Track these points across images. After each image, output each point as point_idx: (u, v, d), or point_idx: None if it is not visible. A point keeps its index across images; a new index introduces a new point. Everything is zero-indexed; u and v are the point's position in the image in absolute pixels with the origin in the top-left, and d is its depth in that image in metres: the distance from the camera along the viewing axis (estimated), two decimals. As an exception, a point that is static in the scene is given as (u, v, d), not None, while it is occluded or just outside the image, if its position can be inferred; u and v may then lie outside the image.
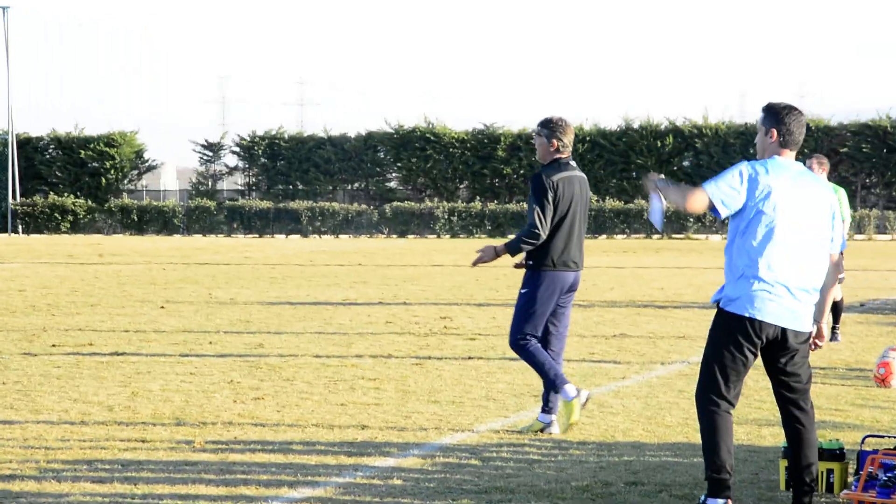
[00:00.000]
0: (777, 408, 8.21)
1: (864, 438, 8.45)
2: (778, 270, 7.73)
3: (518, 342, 10.67)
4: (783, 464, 8.69)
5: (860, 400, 12.35)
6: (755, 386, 13.01)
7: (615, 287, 26.04)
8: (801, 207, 7.80)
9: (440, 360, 15.00)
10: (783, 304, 7.74)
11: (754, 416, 11.44)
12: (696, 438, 10.53)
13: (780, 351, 7.83)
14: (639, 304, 21.96)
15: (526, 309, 10.65)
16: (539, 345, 10.67)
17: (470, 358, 15.21)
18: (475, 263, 10.72)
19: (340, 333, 17.63)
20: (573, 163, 10.81)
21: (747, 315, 7.72)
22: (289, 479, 9.09)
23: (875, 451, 8.34)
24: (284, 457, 9.81)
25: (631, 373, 14.11)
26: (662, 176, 8.16)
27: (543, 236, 10.51)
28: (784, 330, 7.77)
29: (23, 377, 13.62)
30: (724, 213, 7.75)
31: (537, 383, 13.28)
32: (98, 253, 39.96)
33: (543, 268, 10.59)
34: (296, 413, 11.61)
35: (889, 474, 8.21)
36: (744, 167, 7.79)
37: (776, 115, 7.96)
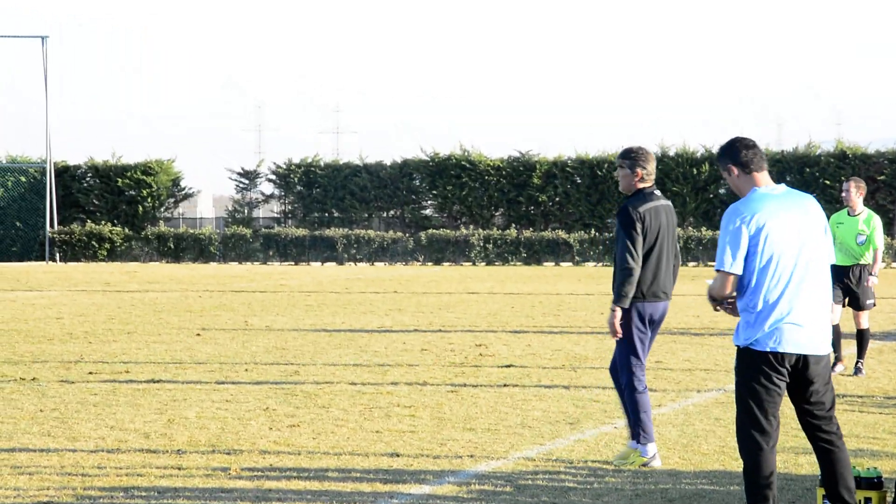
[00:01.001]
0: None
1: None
2: (787, 302, 7.73)
3: (632, 383, 10.58)
4: (820, 492, 8.64)
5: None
6: (791, 414, 12.94)
7: (651, 314, 25.97)
8: (796, 231, 7.81)
9: (475, 388, 14.99)
10: (800, 333, 7.75)
11: (791, 444, 11.39)
12: (733, 466, 10.50)
13: (802, 378, 7.82)
14: (675, 332, 21.91)
15: (627, 343, 10.61)
16: (647, 395, 10.65)
17: (505, 385, 15.19)
18: (616, 336, 10.57)
19: (376, 361, 17.64)
20: (658, 191, 10.74)
21: (769, 350, 7.72)
22: (324, 506, 9.09)
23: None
24: (320, 484, 9.82)
25: (667, 400, 14.07)
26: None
27: (637, 269, 10.46)
28: (805, 357, 7.77)
29: (60, 404, 13.68)
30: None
31: (572, 411, 13.26)
32: (131, 276, 40.10)
33: (634, 300, 10.56)
34: (331, 440, 11.62)
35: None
36: (734, 219, 7.79)
37: (722, 153, 8.08)
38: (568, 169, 57.74)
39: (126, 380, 15.67)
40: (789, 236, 7.77)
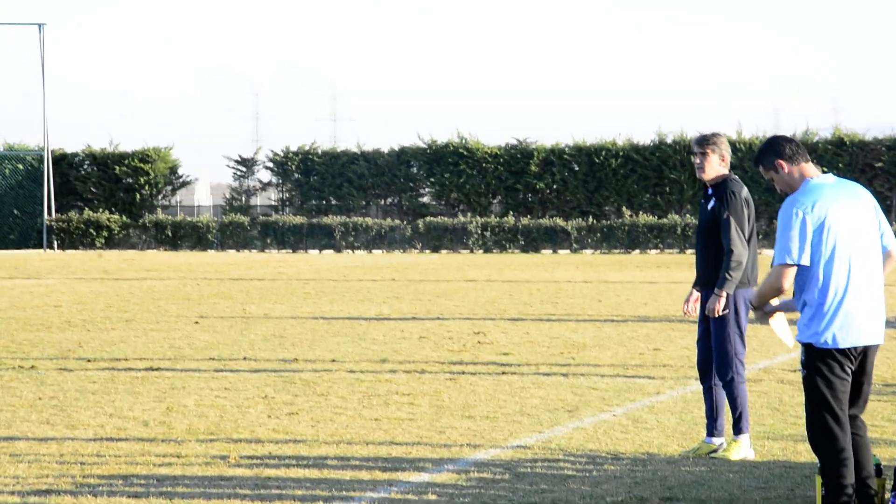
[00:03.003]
0: None
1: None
2: (853, 294, 7.72)
3: (741, 373, 10.45)
4: (819, 480, 8.64)
5: (896, 415, 12.29)
6: (790, 402, 12.96)
7: (648, 302, 25.98)
8: (856, 219, 7.79)
9: (474, 376, 14.99)
10: (865, 324, 7.76)
11: (790, 431, 11.40)
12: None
13: (860, 369, 7.84)
14: (672, 319, 21.91)
15: (735, 332, 10.45)
16: (745, 386, 10.58)
17: (504, 373, 15.20)
18: (716, 313, 10.34)
19: (374, 348, 17.64)
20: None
21: (839, 346, 7.71)
22: (323, 494, 9.10)
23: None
24: (319, 472, 9.82)
25: (665, 388, 14.08)
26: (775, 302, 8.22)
27: (746, 255, 10.35)
28: (867, 348, 7.79)
29: (58, 392, 13.68)
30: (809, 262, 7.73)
31: (571, 399, 13.27)
32: (129, 264, 40.08)
33: (739, 286, 10.43)
34: (330, 428, 11.63)
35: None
36: (795, 210, 7.73)
37: (766, 152, 8.05)
38: (565, 156, 57.75)
39: (124, 368, 15.67)
40: (851, 225, 7.75)
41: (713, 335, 10.49)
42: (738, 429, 10.47)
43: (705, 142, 10.49)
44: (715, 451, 10.49)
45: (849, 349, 7.74)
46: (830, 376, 7.74)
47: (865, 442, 7.94)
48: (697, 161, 10.49)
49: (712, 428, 10.60)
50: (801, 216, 7.71)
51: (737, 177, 10.56)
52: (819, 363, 7.75)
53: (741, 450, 10.39)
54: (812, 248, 7.70)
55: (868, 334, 7.78)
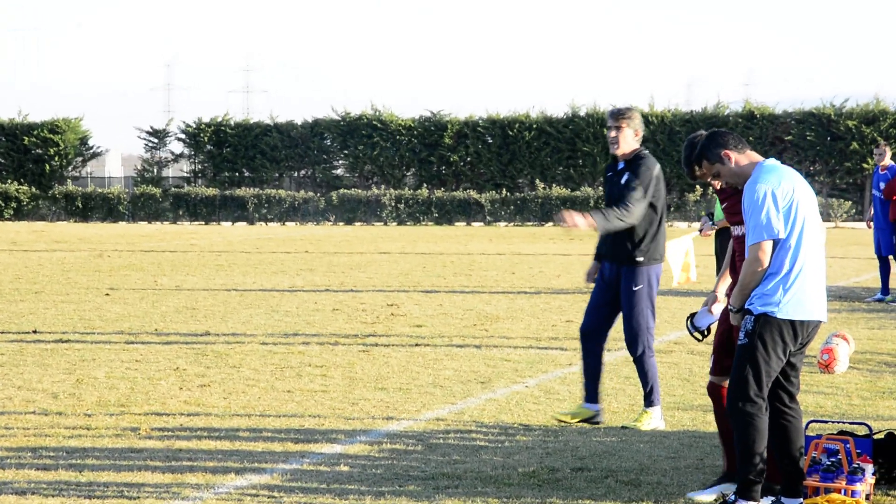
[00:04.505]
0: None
1: (807, 424, 8.51)
2: (811, 268, 7.78)
3: (651, 346, 10.57)
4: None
5: (805, 386, 12.43)
6: (700, 372, 13.08)
7: (562, 274, 26.10)
8: (809, 199, 7.85)
9: (387, 348, 14.99)
10: (819, 299, 7.83)
11: (699, 402, 11.50)
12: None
13: (803, 346, 7.88)
14: (585, 291, 22.00)
15: (648, 306, 10.52)
16: (655, 359, 10.66)
17: (417, 345, 15.21)
18: (569, 222, 10.15)
19: (287, 320, 17.58)
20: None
21: (798, 319, 7.74)
22: (235, 465, 9.07)
23: (818, 437, 8.42)
24: (231, 444, 9.79)
25: (577, 359, 14.13)
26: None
27: (634, 221, 10.31)
28: (817, 324, 7.85)
29: (-34, 365, 13.51)
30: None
31: (484, 370, 13.31)
32: (38, 236, 39.65)
33: (652, 262, 10.50)
34: (242, 400, 11.58)
35: (832, 459, 8.28)
36: (763, 189, 7.71)
37: (710, 147, 8.01)
38: (479, 129, 57.81)
39: (33, 340, 15.50)
40: (807, 202, 7.80)
41: (626, 309, 10.55)
42: (649, 401, 10.57)
43: (620, 115, 10.51)
44: (593, 417, 10.57)
45: (802, 324, 7.76)
46: (777, 351, 7.76)
47: (798, 426, 7.95)
48: (612, 135, 10.51)
49: (594, 394, 10.68)
50: (770, 192, 7.69)
51: (648, 152, 10.61)
52: (767, 335, 7.75)
53: (652, 420, 10.48)
54: (784, 221, 7.72)
55: (821, 311, 7.85)
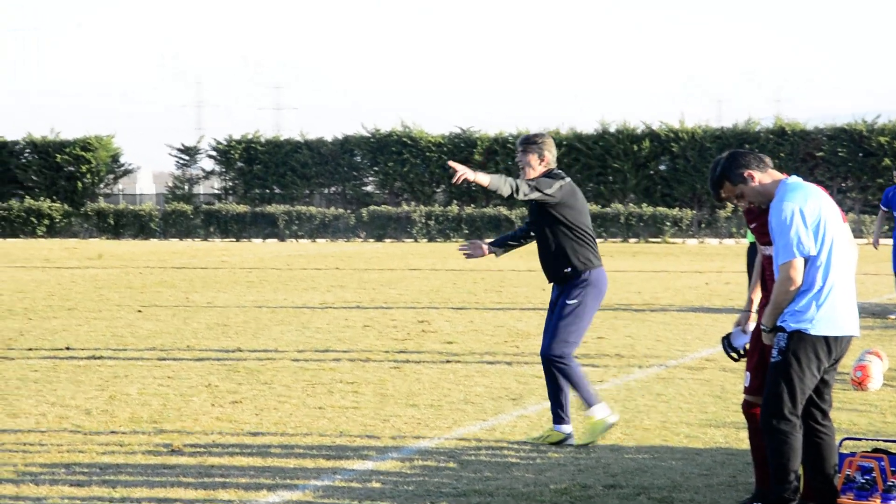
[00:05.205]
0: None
1: (841, 441, 8.48)
2: (842, 283, 7.76)
3: (573, 355, 10.62)
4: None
5: (837, 403, 12.38)
6: (732, 389, 13.04)
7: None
8: (836, 215, 7.83)
9: (418, 364, 15.00)
10: (851, 314, 7.82)
11: (732, 419, 11.47)
12: (674, 441, 10.56)
13: (835, 361, 7.86)
14: (616, 308, 21.99)
15: (589, 315, 10.66)
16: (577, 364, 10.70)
17: (448, 361, 15.21)
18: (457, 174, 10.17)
19: (318, 337, 17.61)
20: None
21: (832, 335, 7.72)
22: (267, 482, 9.09)
23: (853, 454, 8.37)
24: (263, 460, 9.80)
25: (609, 376, 14.13)
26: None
27: (516, 193, 10.38)
28: (849, 339, 7.84)
29: (0, 381, 13.58)
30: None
31: (515, 387, 13.30)
32: (70, 253, 39.82)
33: (583, 272, 10.64)
34: (274, 416, 11.60)
35: (866, 477, 8.24)
36: (791, 207, 7.69)
37: (731, 168, 7.96)
38: (509, 145, 57.80)
39: (67, 356, 15.57)
40: (836, 221, 7.79)
41: (555, 317, 10.63)
42: (558, 418, 10.51)
43: (525, 142, 10.75)
44: (563, 440, 10.52)
45: (836, 339, 7.74)
46: (808, 367, 7.73)
47: (832, 444, 7.93)
48: (518, 159, 10.76)
49: (561, 416, 10.63)
50: (797, 210, 7.67)
51: (561, 172, 10.72)
52: (801, 352, 7.72)
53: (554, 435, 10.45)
54: (814, 238, 7.69)
55: (852, 326, 7.84)
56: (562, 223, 10.59)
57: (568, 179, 10.63)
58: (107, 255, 41.47)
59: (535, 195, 10.42)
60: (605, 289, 10.77)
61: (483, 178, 10.14)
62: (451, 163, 10.35)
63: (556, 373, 10.54)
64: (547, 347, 10.60)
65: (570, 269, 10.62)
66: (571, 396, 10.64)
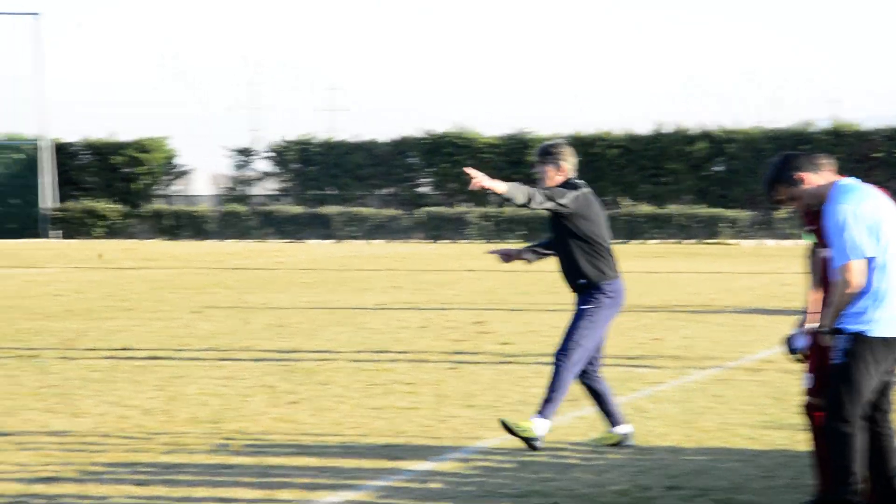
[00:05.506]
0: None
1: None
2: None
3: (564, 360, 10.66)
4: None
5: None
6: (791, 390, 12.98)
7: (649, 292, 25.99)
8: (894, 215, 7.78)
9: (475, 365, 15.02)
10: None
11: (791, 420, 11.41)
12: (733, 443, 10.53)
13: (895, 362, 7.81)
14: (673, 309, 21.93)
15: (590, 326, 10.72)
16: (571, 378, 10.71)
17: (505, 362, 15.22)
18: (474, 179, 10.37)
19: (375, 338, 17.65)
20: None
21: (892, 336, 7.66)
22: (327, 482, 9.12)
23: None
24: (322, 460, 9.84)
25: (667, 377, 14.10)
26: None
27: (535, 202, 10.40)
28: None
29: (61, 381, 13.70)
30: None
31: (572, 388, 13.26)
32: (128, 253, 40.09)
33: (604, 279, 10.64)
34: (332, 417, 11.65)
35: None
36: (847, 209, 7.64)
37: (783, 170, 7.90)
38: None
39: (126, 356, 15.68)
40: (894, 219, 7.75)
41: (571, 322, 10.67)
42: (543, 412, 10.46)
43: (542, 152, 10.89)
44: (620, 441, 10.49)
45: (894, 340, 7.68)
46: (868, 368, 7.68)
47: (892, 445, 7.88)
48: (536, 169, 10.85)
49: (614, 416, 10.61)
50: (854, 213, 7.62)
51: (581, 181, 10.69)
52: (861, 353, 7.66)
53: (534, 428, 10.31)
54: (871, 239, 7.63)
55: None
56: (576, 234, 10.57)
57: (585, 190, 10.60)
58: (164, 256, 41.71)
59: (549, 205, 10.42)
60: (622, 300, 10.73)
61: (499, 186, 10.22)
62: (466, 169, 10.40)
63: (553, 370, 10.58)
64: (558, 348, 10.68)
65: (584, 281, 10.59)
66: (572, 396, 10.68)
